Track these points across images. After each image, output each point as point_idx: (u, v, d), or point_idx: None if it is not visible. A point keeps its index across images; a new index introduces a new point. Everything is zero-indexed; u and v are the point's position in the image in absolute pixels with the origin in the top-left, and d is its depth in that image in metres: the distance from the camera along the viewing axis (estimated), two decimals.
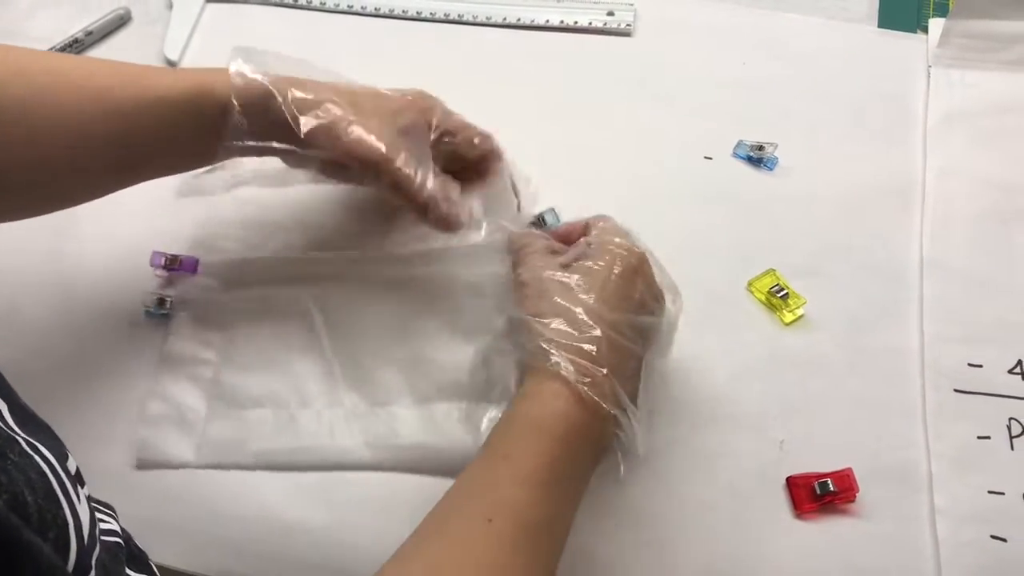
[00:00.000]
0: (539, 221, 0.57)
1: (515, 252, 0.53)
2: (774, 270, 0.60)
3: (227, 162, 0.56)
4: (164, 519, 0.53)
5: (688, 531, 0.53)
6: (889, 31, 0.72)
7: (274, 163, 0.55)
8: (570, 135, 0.66)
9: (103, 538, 0.40)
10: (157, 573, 0.45)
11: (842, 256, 0.61)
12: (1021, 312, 0.59)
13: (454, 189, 0.57)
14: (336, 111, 0.53)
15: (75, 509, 0.35)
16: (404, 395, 0.56)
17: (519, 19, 0.73)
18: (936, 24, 0.70)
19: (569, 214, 0.57)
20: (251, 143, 0.53)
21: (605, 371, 0.45)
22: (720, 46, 0.71)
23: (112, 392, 0.58)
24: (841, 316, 0.59)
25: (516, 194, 0.59)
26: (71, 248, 0.62)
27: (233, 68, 0.52)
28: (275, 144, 0.53)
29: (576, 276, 0.48)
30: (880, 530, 0.52)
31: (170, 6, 0.74)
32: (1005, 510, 0.52)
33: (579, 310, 0.47)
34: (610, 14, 0.72)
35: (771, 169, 0.65)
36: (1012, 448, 0.54)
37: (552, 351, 0.46)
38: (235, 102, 0.51)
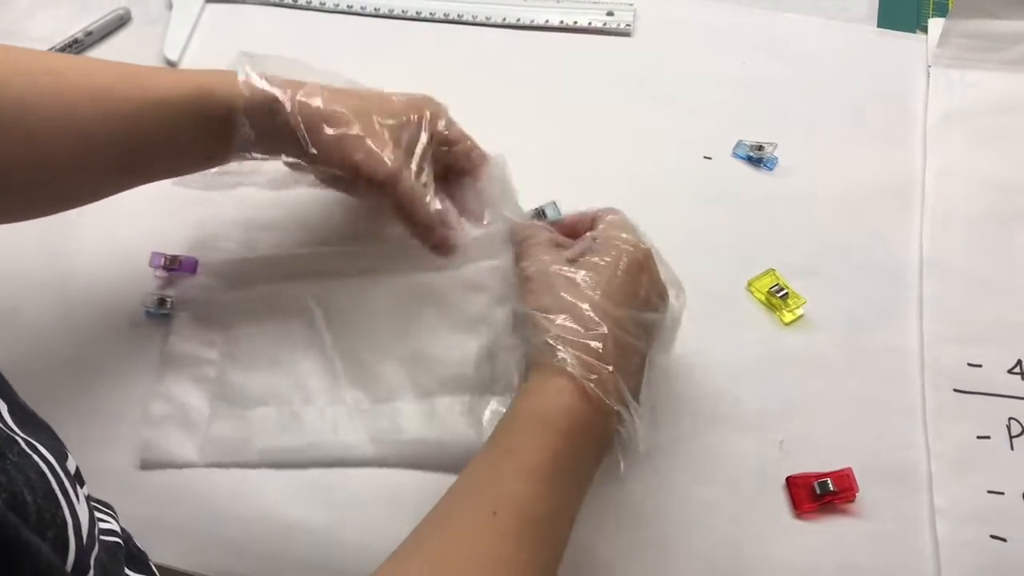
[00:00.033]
0: (539, 214, 0.57)
1: (518, 244, 0.53)
2: (774, 270, 0.60)
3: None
4: (164, 519, 0.53)
5: (688, 530, 0.53)
6: (889, 31, 0.72)
7: (276, 166, 0.56)
8: (570, 135, 0.66)
9: (102, 538, 0.40)
10: (156, 573, 0.45)
11: (842, 256, 0.61)
12: (1021, 312, 0.59)
13: (452, 212, 0.57)
14: (344, 124, 0.53)
15: (74, 509, 0.35)
16: (406, 390, 0.56)
17: (519, 19, 0.73)
18: (936, 24, 0.70)
19: (569, 212, 0.57)
20: (258, 155, 0.53)
21: (611, 368, 0.45)
22: (720, 46, 0.71)
23: (112, 392, 0.58)
24: (841, 316, 0.59)
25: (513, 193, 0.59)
26: (70, 249, 0.62)
27: (241, 77, 0.52)
28: (283, 158, 0.53)
29: (582, 271, 0.48)
30: (880, 530, 0.52)
31: (170, 6, 0.74)
32: (1005, 510, 0.52)
33: (585, 306, 0.47)
34: (610, 14, 0.72)
35: (771, 169, 0.65)
36: (1012, 448, 0.54)
37: (558, 347, 0.46)
38: (241, 118, 0.51)
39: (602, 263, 0.48)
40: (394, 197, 0.54)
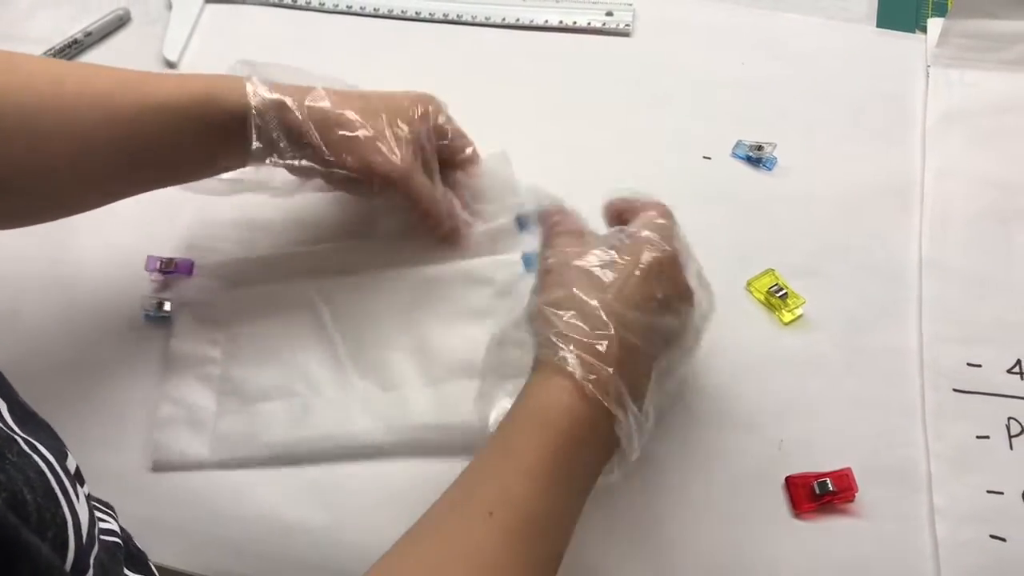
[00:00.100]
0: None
1: (546, 228, 0.52)
2: (773, 270, 0.60)
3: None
4: (164, 519, 0.54)
5: (687, 530, 0.53)
6: (888, 31, 0.72)
7: (285, 172, 0.56)
8: (569, 135, 0.66)
9: (102, 537, 0.40)
10: (156, 573, 0.45)
11: (841, 256, 0.61)
12: (1020, 311, 0.59)
13: (456, 203, 0.59)
14: (354, 125, 0.54)
15: (74, 508, 0.35)
16: (416, 378, 0.57)
17: (518, 19, 0.73)
18: (935, 24, 0.70)
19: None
20: (274, 161, 0.54)
21: (611, 370, 0.45)
22: (719, 46, 0.71)
23: (112, 393, 0.58)
24: (840, 316, 0.59)
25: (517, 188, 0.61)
26: (68, 253, 0.63)
27: (250, 88, 0.52)
28: (298, 162, 0.53)
29: (599, 268, 0.47)
30: (879, 530, 0.52)
31: (169, 7, 0.74)
32: (1004, 510, 0.52)
33: (595, 304, 0.46)
34: (609, 14, 0.72)
35: (770, 169, 0.65)
36: (1011, 448, 0.54)
37: (561, 345, 0.45)
38: (254, 127, 0.52)
39: (621, 261, 0.47)
40: (408, 193, 0.56)
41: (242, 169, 0.56)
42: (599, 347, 0.45)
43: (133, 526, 0.48)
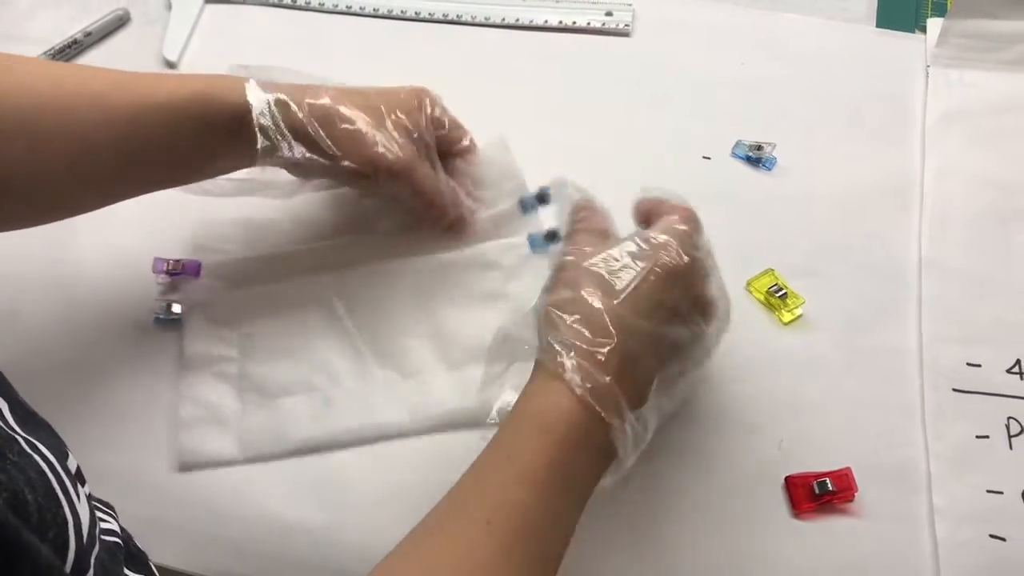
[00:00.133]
0: (543, 196, 0.61)
1: (570, 224, 0.52)
2: (773, 270, 0.60)
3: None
4: (164, 519, 0.54)
5: (686, 530, 0.53)
6: (887, 31, 0.72)
7: (280, 173, 0.57)
8: (568, 135, 0.66)
9: (102, 537, 0.40)
10: (156, 573, 0.45)
11: (840, 256, 0.61)
12: (1019, 311, 0.59)
13: (459, 191, 0.59)
14: (355, 120, 0.54)
15: (75, 508, 0.35)
16: (435, 363, 0.57)
17: (517, 19, 0.73)
18: (934, 24, 0.70)
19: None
20: (281, 155, 0.53)
21: (609, 378, 0.44)
22: (719, 46, 0.71)
23: (112, 393, 0.58)
24: (840, 316, 0.59)
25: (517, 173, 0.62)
26: (72, 256, 0.63)
27: (249, 87, 0.53)
28: (304, 156, 0.53)
29: (611, 271, 0.46)
30: (879, 529, 0.52)
31: (169, 7, 0.74)
32: (1004, 509, 0.53)
33: (600, 308, 0.45)
34: (608, 14, 0.72)
35: (769, 169, 0.65)
36: (1011, 447, 0.54)
37: (560, 350, 0.45)
38: (256, 125, 0.52)
39: (633, 266, 0.46)
40: (413, 185, 0.56)
41: (242, 171, 0.56)
42: (599, 354, 0.44)
43: (133, 526, 0.48)
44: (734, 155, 0.66)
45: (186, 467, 0.55)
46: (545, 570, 0.43)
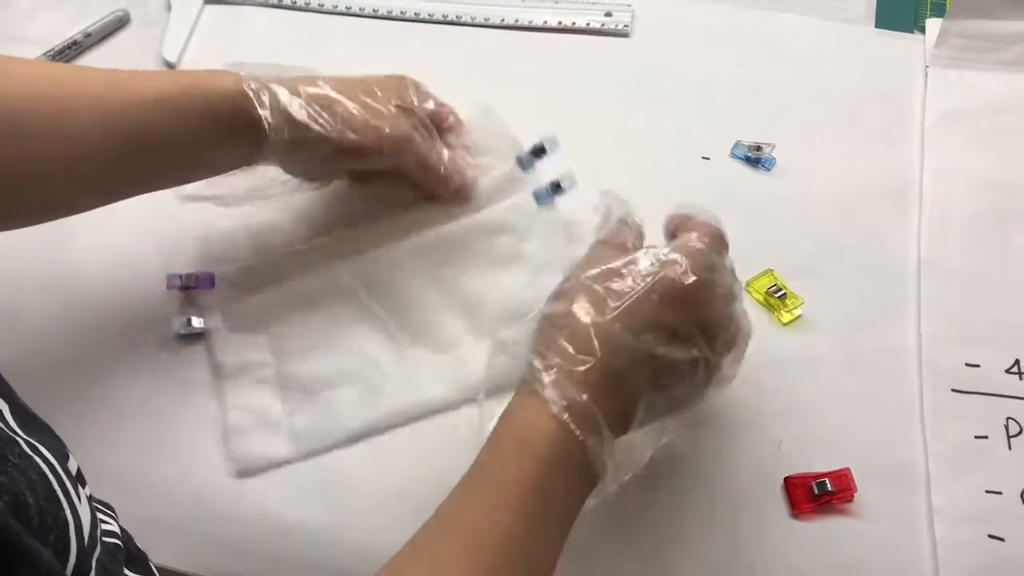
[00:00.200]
0: (539, 150, 0.61)
1: (599, 232, 0.50)
2: (772, 270, 0.60)
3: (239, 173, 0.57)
4: (164, 519, 0.54)
5: (685, 531, 0.53)
6: (886, 31, 0.72)
7: (279, 172, 0.57)
8: (567, 136, 0.66)
9: (103, 539, 0.40)
10: (156, 574, 0.45)
11: (839, 256, 0.61)
12: (1018, 312, 0.59)
13: (457, 159, 0.60)
14: (352, 102, 0.55)
15: (76, 510, 0.35)
16: (468, 334, 0.58)
17: (517, 20, 0.73)
18: (933, 24, 0.70)
19: (567, 216, 0.59)
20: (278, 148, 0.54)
21: (585, 396, 0.43)
22: (718, 47, 0.71)
23: (112, 392, 0.58)
24: (839, 316, 0.59)
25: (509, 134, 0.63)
26: (72, 257, 0.63)
27: (249, 84, 0.53)
28: (310, 129, 0.53)
29: (608, 287, 0.45)
30: (878, 530, 0.52)
31: (169, 8, 0.74)
32: (1003, 509, 0.53)
33: (588, 323, 0.44)
34: (608, 15, 0.72)
35: (769, 169, 0.65)
36: (1010, 448, 0.55)
37: (539, 366, 0.44)
38: (257, 101, 0.52)
39: (633, 283, 0.45)
40: (413, 156, 0.57)
41: (239, 178, 0.57)
42: (579, 372, 0.43)
43: (133, 526, 0.48)
44: (733, 155, 0.66)
45: (243, 474, 0.55)
46: None
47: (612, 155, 0.66)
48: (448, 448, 0.55)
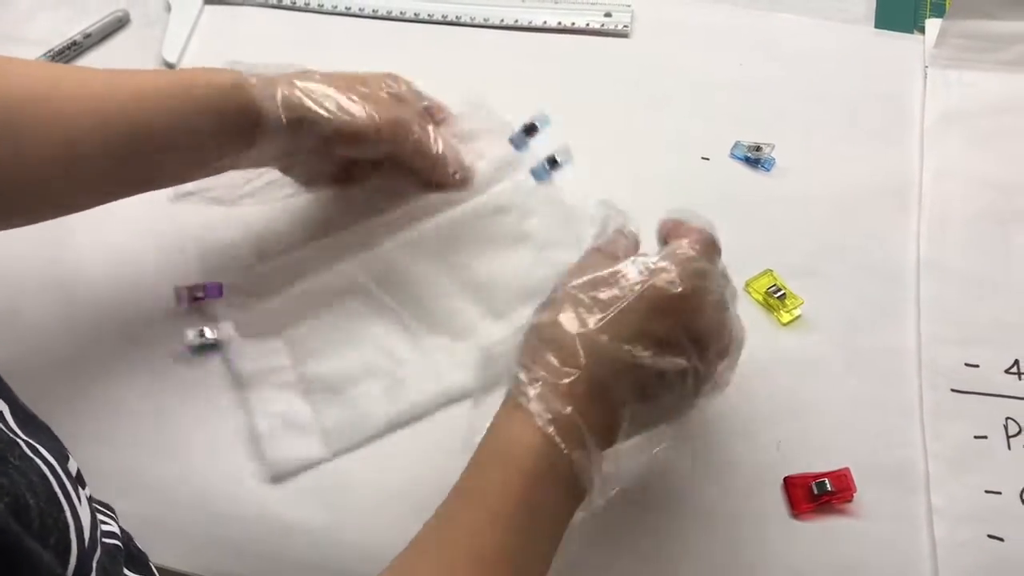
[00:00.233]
0: (531, 128, 0.62)
1: (595, 239, 0.50)
2: (771, 270, 0.60)
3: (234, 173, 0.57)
4: (164, 520, 0.54)
5: (685, 531, 0.53)
6: (886, 31, 0.72)
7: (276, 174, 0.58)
8: (567, 136, 0.66)
9: (103, 540, 0.40)
10: (156, 574, 0.46)
11: (839, 256, 0.61)
12: (1018, 312, 0.59)
13: (452, 146, 0.60)
14: (350, 92, 0.55)
15: (76, 511, 0.35)
16: (483, 317, 0.59)
17: (516, 20, 0.73)
18: (933, 24, 0.70)
19: (566, 189, 0.61)
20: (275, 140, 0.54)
21: (570, 408, 0.42)
22: (717, 47, 0.71)
23: (112, 392, 0.58)
24: (838, 316, 0.59)
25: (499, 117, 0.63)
26: (72, 256, 0.63)
27: (247, 79, 0.53)
28: (309, 114, 0.53)
29: (595, 296, 0.44)
30: (877, 530, 0.52)
31: (168, 8, 0.74)
32: (1002, 509, 0.53)
33: (573, 333, 0.43)
34: (607, 15, 0.72)
35: (768, 170, 0.65)
36: (1009, 448, 0.55)
37: (524, 378, 0.43)
38: (264, 104, 0.52)
39: (620, 292, 0.44)
40: (411, 142, 0.57)
41: (237, 178, 0.57)
42: (563, 383, 0.42)
43: (134, 527, 0.48)
44: (733, 156, 0.66)
45: (278, 478, 0.55)
46: None
47: (612, 155, 0.66)
48: (448, 448, 0.55)
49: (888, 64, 0.70)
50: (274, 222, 0.63)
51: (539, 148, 0.62)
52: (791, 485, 0.53)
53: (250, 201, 0.60)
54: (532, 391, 0.42)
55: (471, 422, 0.50)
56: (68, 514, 0.35)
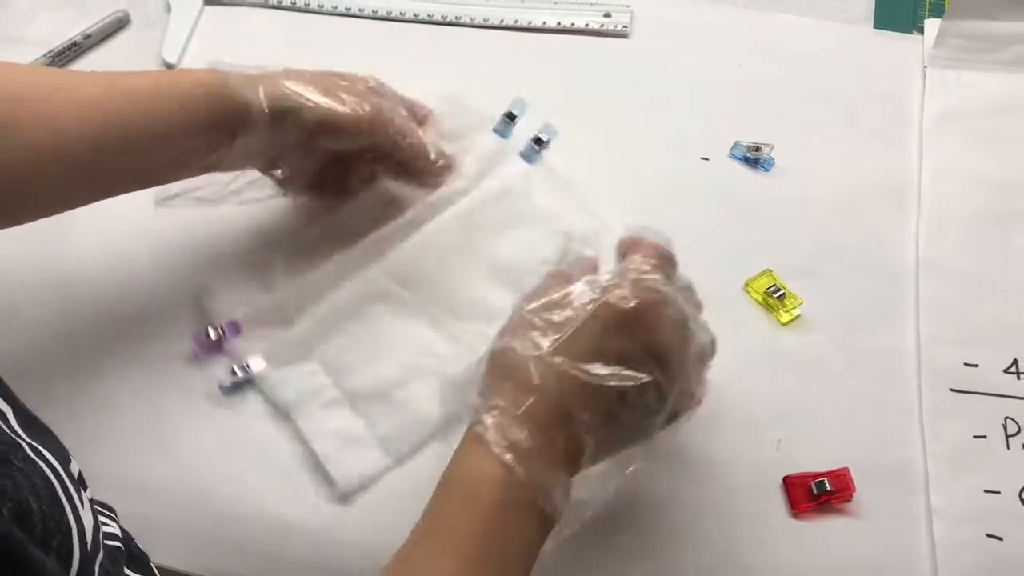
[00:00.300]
0: (510, 116, 0.63)
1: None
2: (771, 270, 0.60)
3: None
4: (165, 520, 0.54)
5: (685, 530, 0.53)
6: (885, 32, 0.72)
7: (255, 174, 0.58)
8: (567, 136, 0.66)
9: (105, 542, 0.40)
10: (157, 574, 0.46)
11: (838, 256, 0.61)
12: (1016, 312, 0.59)
13: (434, 138, 0.60)
14: (332, 90, 0.55)
15: (78, 514, 0.35)
16: (508, 298, 0.56)
17: (516, 21, 0.73)
18: (932, 25, 0.70)
19: (566, 217, 0.60)
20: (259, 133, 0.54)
21: (526, 434, 0.41)
22: (717, 47, 0.71)
23: (112, 391, 0.58)
24: (838, 316, 0.59)
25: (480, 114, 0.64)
26: (71, 252, 0.63)
27: (229, 76, 0.53)
28: (292, 103, 0.53)
29: (548, 320, 0.43)
30: (877, 529, 0.53)
31: (168, 9, 0.74)
32: (1001, 509, 0.53)
33: (525, 357, 0.43)
34: (607, 16, 0.72)
35: (767, 170, 0.65)
36: (1008, 447, 0.55)
37: (479, 407, 0.42)
38: (247, 97, 0.52)
39: (572, 312, 0.43)
40: (392, 132, 0.57)
41: (217, 175, 0.57)
42: (519, 410, 0.42)
43: (134, 527, 0.48)
44: (732, 156, 0.66)
45: (346, 496, 0.54)
46: None
47: (611, 155, 0.66)
48: (447, 444, 0.55)
49: (887, 64, 0.70)
50: (264, 256, 0.62)
51: (524, 131, 0.64)
52: (791, 485, 0.54)
53: (235, 199, 0.60)
54: (489, 419, 0.42)
55: (438, 454, 0.50)
56: (71, 517, 0.35)
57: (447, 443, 0.45)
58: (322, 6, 0.75)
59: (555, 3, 0.73)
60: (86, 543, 0.35)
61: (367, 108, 0.56)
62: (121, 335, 0.60)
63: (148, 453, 0.56)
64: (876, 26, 0.72)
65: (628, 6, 0.73)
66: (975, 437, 0.55)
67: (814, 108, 0.68)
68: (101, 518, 0.41)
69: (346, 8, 0.74)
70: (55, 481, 0.35)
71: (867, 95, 0.68)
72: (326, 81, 0.56)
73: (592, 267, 0.50)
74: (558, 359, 0.42)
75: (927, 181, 0.64)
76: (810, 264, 0.61)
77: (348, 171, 0.60)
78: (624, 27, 0.72)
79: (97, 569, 0.36)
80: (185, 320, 0.60)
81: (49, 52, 0.72)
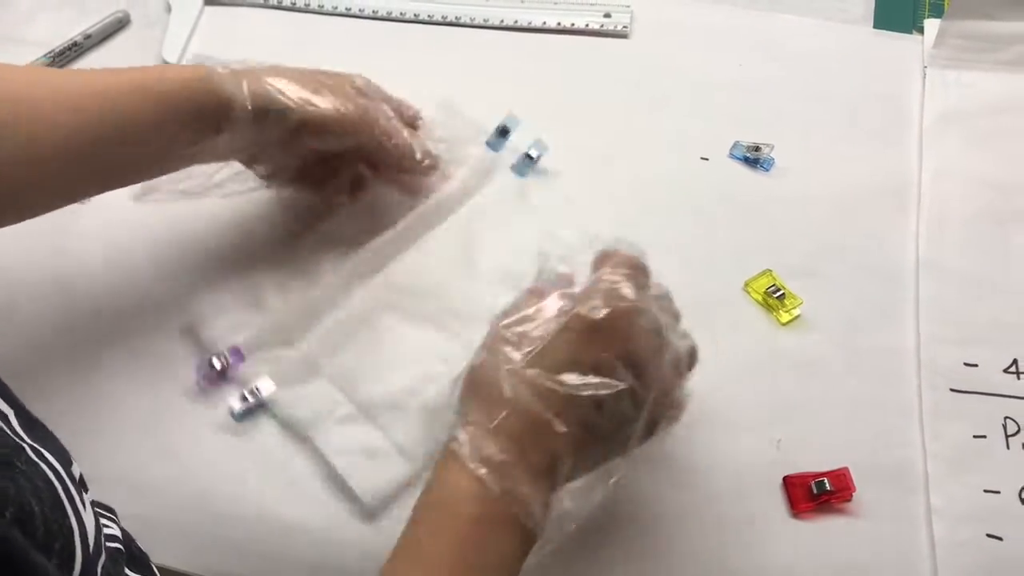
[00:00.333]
0: (503, 131, 0.63)
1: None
2: (770, 270, 0.60)
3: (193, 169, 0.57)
4: (165, 520, 0.54)
5: (684, 530, 0.53)
6: (885, 32, 0.72)
7: (237, 167, 0.58)
8: (567, 137, 0.66)
9: (106, 544, 0.40)
10: (157, 574, 0.46)
11: (838, 256, 0.61)
12: (1016, 312, 0.59)
13: (419, 138, 0.60)
14: (316, 88, 0.55)
15: (80, 517, 0.35)
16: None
17: (516, 21, 0.73)
18: (932, 25, 0.70)
19: (552, 176, 0.62)
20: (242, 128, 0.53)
21: (498, 448, 0.41)
22: (716, 47, 0.71)
23: (111, 391, 0.58)
24: (837, 316, 0.59)
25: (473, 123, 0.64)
26: (72, 248, 0.63)
27: (213, 71, 0.53)
28: (275, 99, 0.53)
29: (523, 331, 0.44)
30: (876, 529, 0.53)
31: (168, 9, 0.74)
32: (1001, 509, 0.53)
33: (499, 373, 0.43)
34: (607, 16, 0.72)
35: (767, 170, 0.65)
36: (1008, 447, 0.55)
37: (455, 423, 0.43)
38: (231, 91, 0.52)
39: (545, 325, 0.43)
40: (379, 132, 0.57)
41: (200, 168, 0.57)
42: (492, 424, 0.42)
43: (134, 527, 0.48)
44: (732, 156, 0.66)
45: (373, 510, 0.53)
46: None
47: (611, 156, 0.66)
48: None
49: (887, 64, 0.70)
50: (257, 280, 0.61)
51: (515, 144, 0.64)
52: (791, 484, 0.54)
53: (218, 192, 0.60)
54: (463, 435, 0.42)
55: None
56: (73, 520, 0.35)
57: None
58: (322, 6, 0.75)
59: (555, 3, 0.73)
60: (88, 546, 0.35)
61: (351, 108, 0.55)
62: (123, 333, 0.59)
63: (149, 453, 0.56)
64: (876, 26, 0.72)
65: (628, 6, 0.73)
66: (975, 437, 0.55)
67: (814, 108, 0.68)
68: (102, 519, 0.41)
69: (346, 8, 0.74)
70: (57, 484, 0.35)
71: (867, 95, 0.68)
72: (311, 79, 0.56)
73: (568, 283, 0.49)
74: (531, 371, 0.42)
75: (927, 181, 0.64)
76: (810, 264, 0.61)
77: (334, 170, 0.60)
78: (624, 27, 0.72)
79: (99, 572, 0.36)
80: (188, 329, 0.60)
81: (49, 52, 0.72)
